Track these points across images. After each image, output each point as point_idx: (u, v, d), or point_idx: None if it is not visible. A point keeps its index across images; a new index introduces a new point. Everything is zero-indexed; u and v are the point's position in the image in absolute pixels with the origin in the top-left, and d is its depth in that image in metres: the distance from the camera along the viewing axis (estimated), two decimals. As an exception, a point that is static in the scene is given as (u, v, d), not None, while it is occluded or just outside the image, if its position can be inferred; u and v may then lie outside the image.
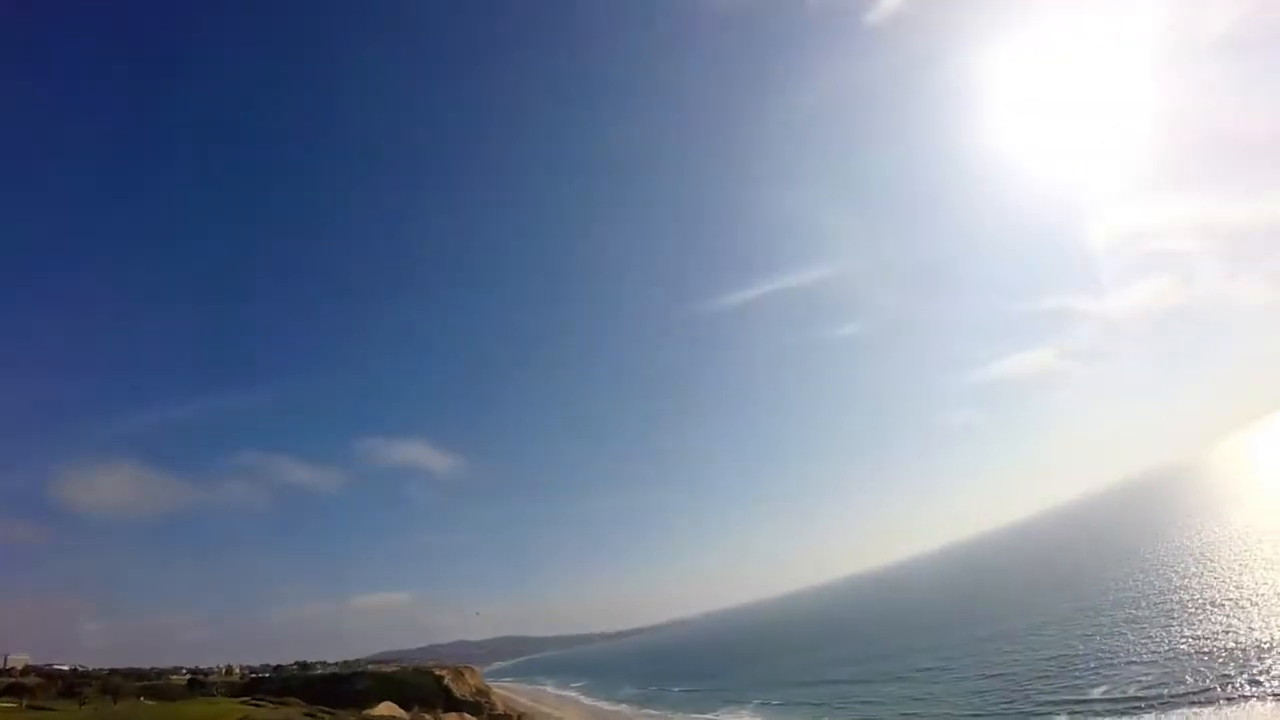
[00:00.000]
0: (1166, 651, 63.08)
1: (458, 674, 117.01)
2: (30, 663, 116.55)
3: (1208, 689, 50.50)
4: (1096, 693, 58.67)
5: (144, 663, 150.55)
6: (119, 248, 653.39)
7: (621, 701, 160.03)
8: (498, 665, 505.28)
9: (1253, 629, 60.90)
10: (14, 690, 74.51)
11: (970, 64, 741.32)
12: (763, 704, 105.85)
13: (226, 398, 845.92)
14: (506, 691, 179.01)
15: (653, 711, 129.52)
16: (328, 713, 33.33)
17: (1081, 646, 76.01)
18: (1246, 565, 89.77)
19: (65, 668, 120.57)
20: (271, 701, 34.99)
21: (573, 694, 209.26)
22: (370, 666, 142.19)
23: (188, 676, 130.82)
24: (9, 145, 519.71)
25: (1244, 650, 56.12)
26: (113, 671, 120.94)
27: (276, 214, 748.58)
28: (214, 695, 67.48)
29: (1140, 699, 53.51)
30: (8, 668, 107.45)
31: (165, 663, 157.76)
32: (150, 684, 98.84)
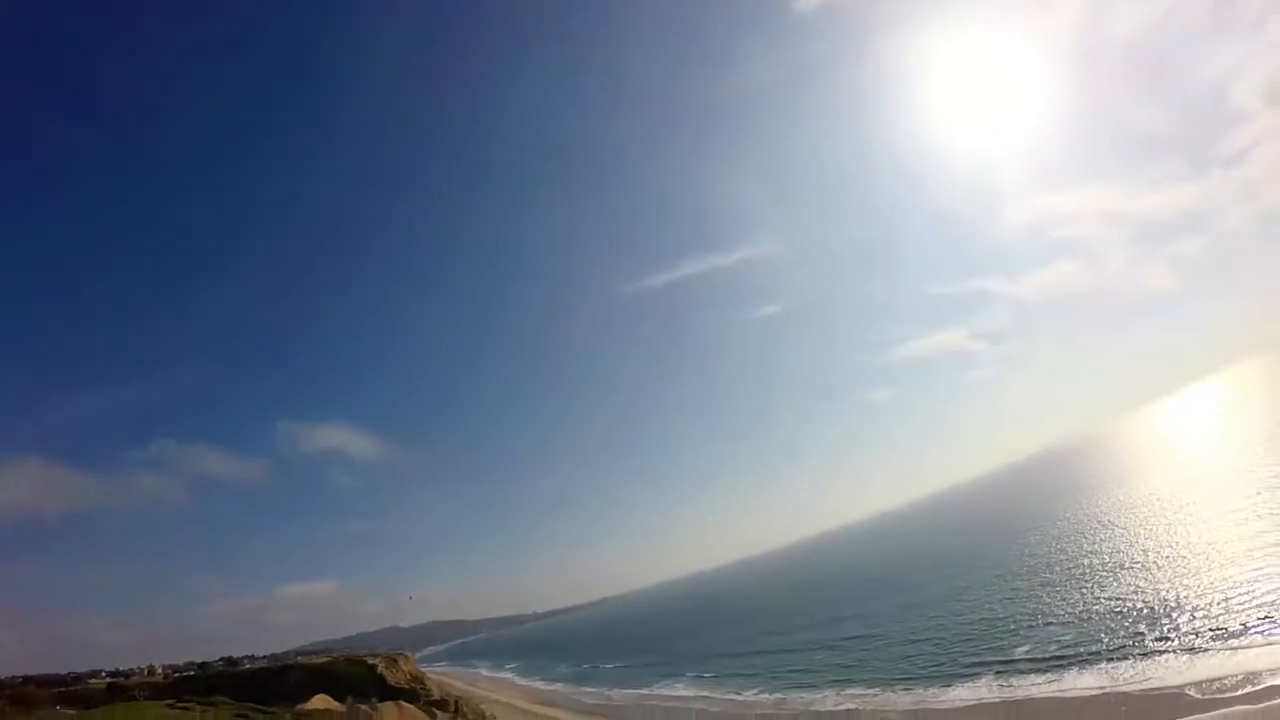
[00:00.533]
0: (1082, 612, 66.67)
1: (391, 661, 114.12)
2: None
3: (1122, 645, 53.68)
4: (1019, 652, 61.78)
5: (60, 668, 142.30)
6: (15, 229, 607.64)
7: (556, 680, 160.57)
8: (430, 650, 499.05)
9: (1159, 589, 64.84)
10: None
11: (894, 55, 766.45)
12: (696, 676, 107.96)
13: (135, 388, 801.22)
14: (441, 676, 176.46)
15: (589, 689, 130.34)
16: (259, 710, 31.59)
17: (1001, 610, 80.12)
18: (1150, 529, 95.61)
19: None
20: (199, 702, 32.99)
21: (508, 675, 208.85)
22: (299, 659, 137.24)
23: (107, 680, 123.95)
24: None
25: (1152, 608, 59.84)
26: (25, 679, 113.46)
27: (186, 190, 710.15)
28: (136, 698, 63.64)
29: (1061, 657, 56.51)
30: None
31: (82, 667, 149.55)
32: (67, 689, 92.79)
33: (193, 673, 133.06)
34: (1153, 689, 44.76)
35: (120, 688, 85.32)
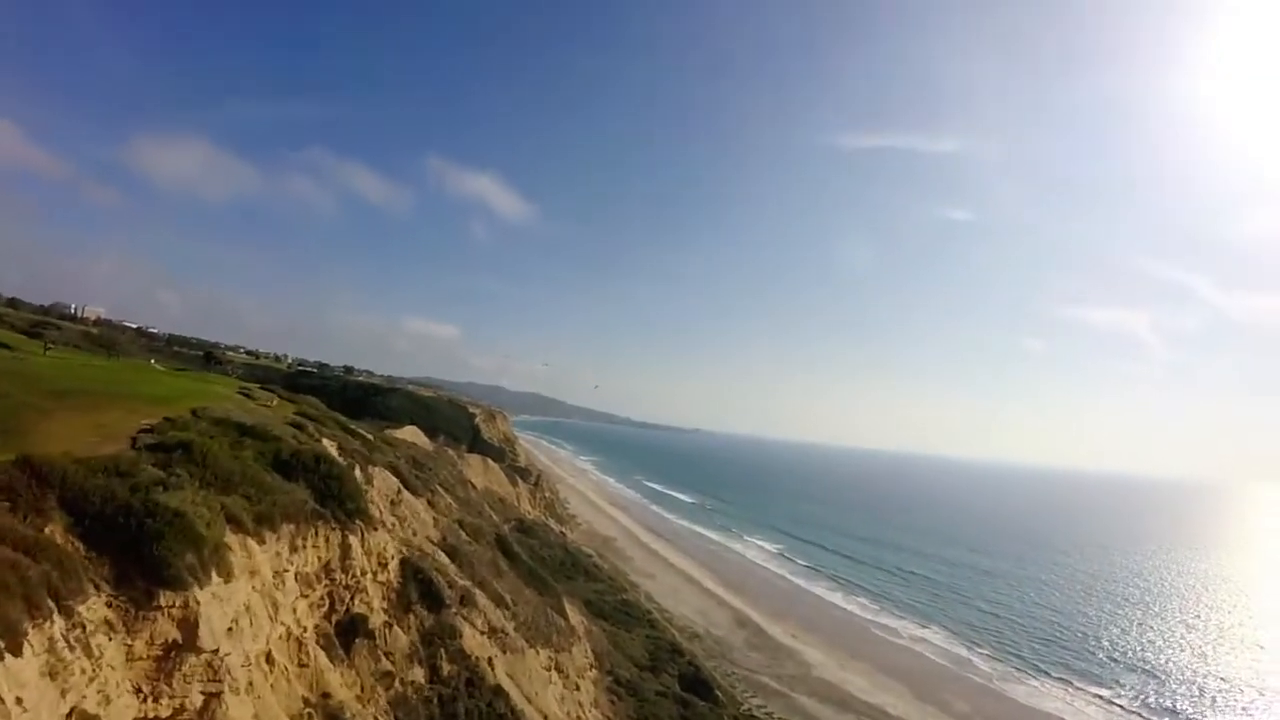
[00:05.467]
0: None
1: (490, 416, 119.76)
2: (103, 315, 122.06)
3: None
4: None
5: (210, 336, 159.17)
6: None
7: (630, 487, 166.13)
8: (525, 417, 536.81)
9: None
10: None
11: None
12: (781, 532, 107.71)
13: (302, 98, 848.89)
14: (529, 445, 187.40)
15: (656, 509, 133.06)
16: (337, 423, 31.05)
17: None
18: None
19: (133, 326, 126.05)
20: (282, 396, 33.03)
21: (586, 465, 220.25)
22: (410, 386, 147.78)
23: (244, 354, 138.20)
24: None
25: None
26: (171, 338, 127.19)
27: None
28: (227, 374, 67.74)
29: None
30: (82, 316, 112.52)
31: (229, 340, 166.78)
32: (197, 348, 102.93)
33: (312, 370, 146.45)
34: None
35: (216, 359, 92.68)
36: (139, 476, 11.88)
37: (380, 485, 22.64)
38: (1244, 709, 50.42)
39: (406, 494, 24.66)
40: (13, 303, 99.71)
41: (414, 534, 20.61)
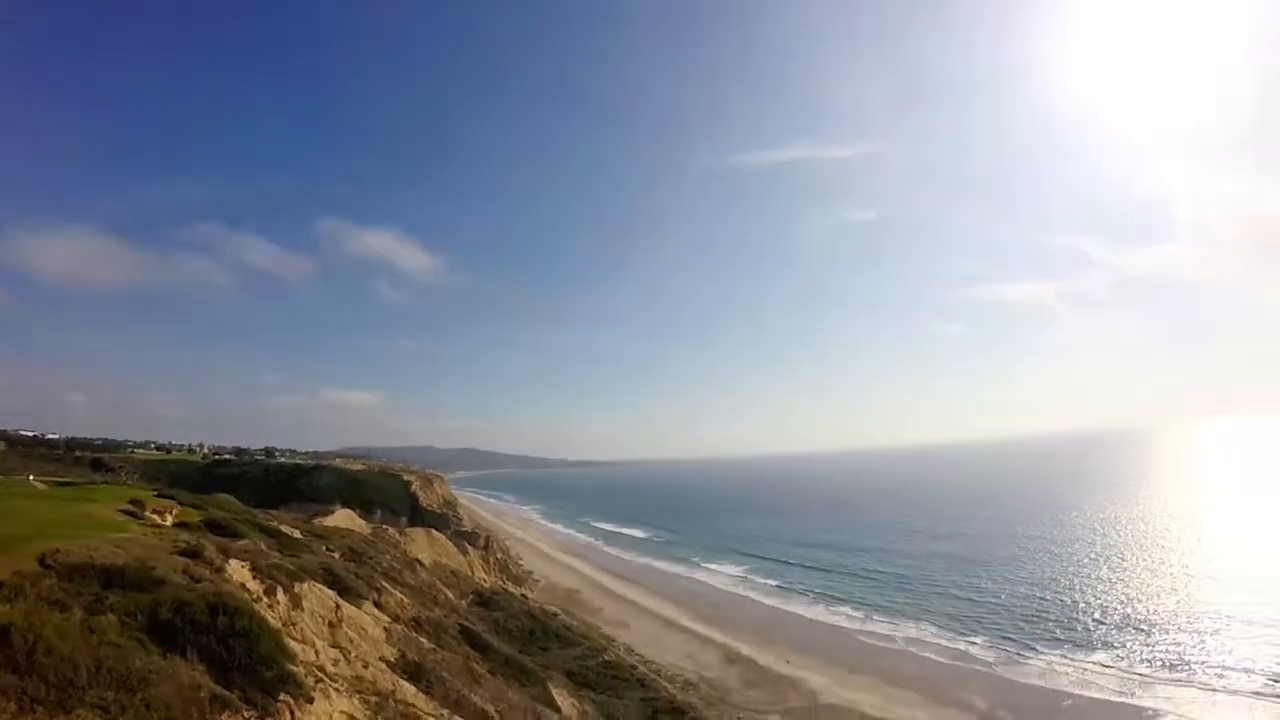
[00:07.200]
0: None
1: (426, 482, 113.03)
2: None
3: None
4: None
5: (121, 433, 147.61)
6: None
7: (580, 531, 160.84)
8: (461, 474, 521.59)
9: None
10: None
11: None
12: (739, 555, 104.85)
13: (186, 177, 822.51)
14: (470, 503, 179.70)
15: (613, 550, 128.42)
16: (251, 523, 26.22)
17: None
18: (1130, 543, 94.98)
19: (30, 434, 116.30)
20: (184, 502, 27.83)
21: (532, 514, 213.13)
22: (337, 460, 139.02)
23: (152, 448, 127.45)
24: None
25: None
26: (70, 442, 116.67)
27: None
28: (123, 481, 60.39)
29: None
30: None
31: (140, 436, 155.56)
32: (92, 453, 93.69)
33: (230, 456, 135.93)
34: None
35: (104, 466, 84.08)
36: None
37: (313, 607, 17.99)
38: (1239, 640, 50.28)
39: (347, 607, 20.03)
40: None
41: (365, 665, 16.29)
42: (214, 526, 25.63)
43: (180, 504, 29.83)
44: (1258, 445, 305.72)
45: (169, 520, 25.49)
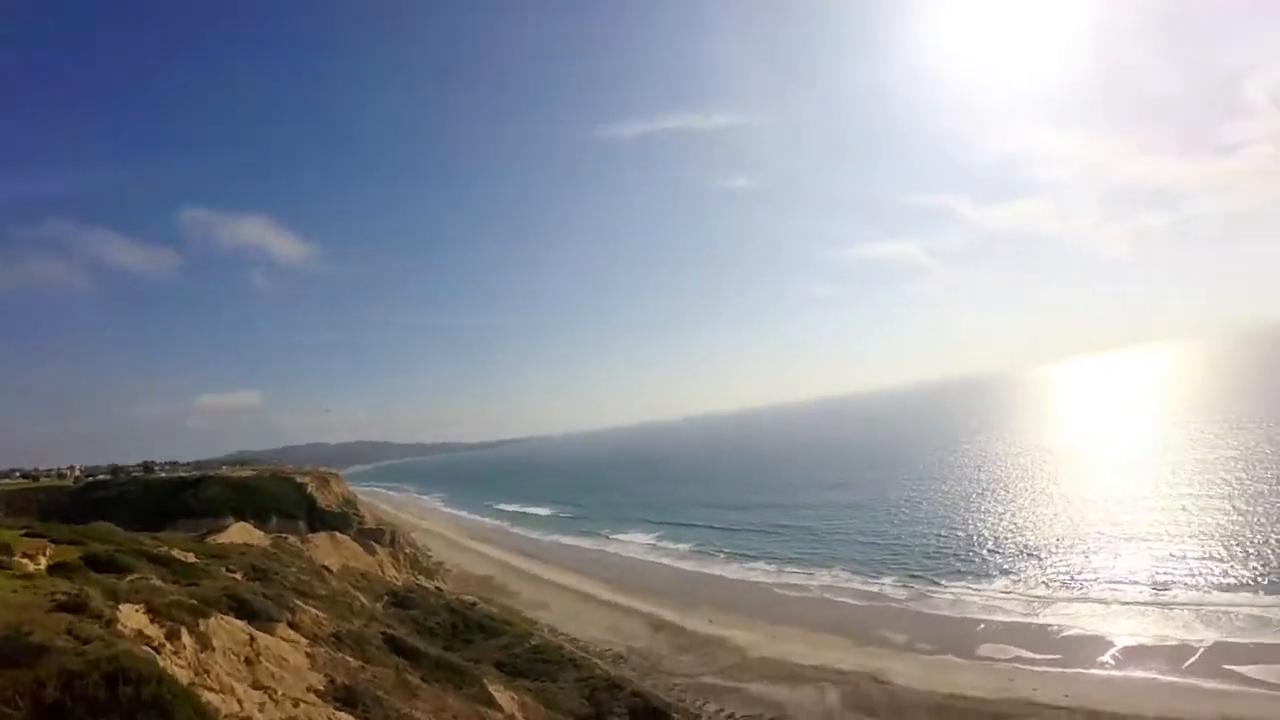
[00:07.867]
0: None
1: (322, 481, 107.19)
2: None
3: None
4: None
5: None
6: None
7: (485, 515, 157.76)
8: (356, 469, 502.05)
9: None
10: None
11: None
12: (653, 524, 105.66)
13: (29, 171, 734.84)
14: (369, 499, 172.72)
15: (519, 530, 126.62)
16: (138, 551, 23.50)
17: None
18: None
19: None
20: (56, 539, 24.57)
21: (435, 502, 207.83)
22: (223, 469, 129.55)
23: (19, 479, 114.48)
24: None
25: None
26: None
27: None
28: None
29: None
30: None
31: (3, 464, 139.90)
32: None
33: (105, 477, 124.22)
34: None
35: None
36: None
37: (224, 645, 15.96)
38: (1122, 555, 55.25)
39: (262, 637, 18.06)
40: None
41: (294, 703, 14.63)
42: (96, 563, 22.65)
43: (54, 541, 26.28)
44: (1106, 380, 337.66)
45: (43, 563, 22.28)
